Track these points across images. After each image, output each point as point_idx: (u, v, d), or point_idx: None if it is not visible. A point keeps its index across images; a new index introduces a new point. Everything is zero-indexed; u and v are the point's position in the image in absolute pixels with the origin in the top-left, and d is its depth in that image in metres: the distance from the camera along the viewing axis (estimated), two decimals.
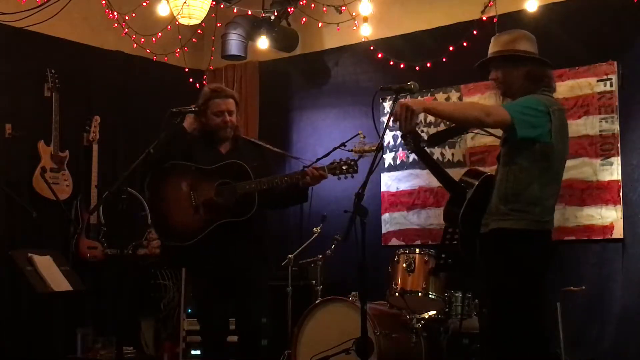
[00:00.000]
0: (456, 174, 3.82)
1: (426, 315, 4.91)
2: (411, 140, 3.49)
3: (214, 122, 4.25)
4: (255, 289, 4.24)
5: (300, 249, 5.48)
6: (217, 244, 4.12)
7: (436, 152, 5.94)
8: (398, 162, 6.16)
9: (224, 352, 4.30)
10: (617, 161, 5.18)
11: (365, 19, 6.07)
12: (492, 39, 3.62)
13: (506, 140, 3.46)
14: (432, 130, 5.95)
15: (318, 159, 4.18)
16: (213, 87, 4.42)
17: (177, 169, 4.23)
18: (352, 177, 4.05)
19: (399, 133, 6.15)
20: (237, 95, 4.41)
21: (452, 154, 5.90)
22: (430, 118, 6.02)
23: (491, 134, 3.76)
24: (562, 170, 3.53)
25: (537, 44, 3.57)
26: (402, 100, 3.36)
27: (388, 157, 6.18)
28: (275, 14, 6.35)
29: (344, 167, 4.03)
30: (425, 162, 3.68)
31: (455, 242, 4.62)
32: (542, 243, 3.44)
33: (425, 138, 3.61)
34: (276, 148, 4.40)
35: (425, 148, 3.63)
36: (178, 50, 6.71)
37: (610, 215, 5.18)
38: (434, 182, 5.94)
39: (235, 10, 6.45)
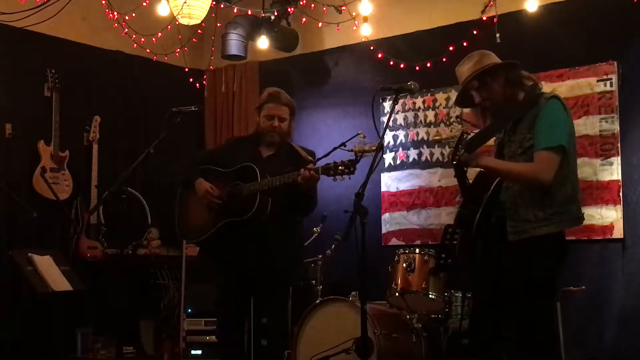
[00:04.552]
0: None
1: (426, 316, 4.91)
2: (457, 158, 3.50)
3: (264, 124, 4.40)
4: (269, 292, 4.32)
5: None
6: (228, 244, 4.28)
7: (436, 152, 5.95)
8: (398, 162, 6.15)
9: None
10: (617, 161, 5.18)
11: (365, 19, 6.07)
12: (457, 70, 3.61)
13: (529, 148, 3.41)
14: (432, 130, 5.99)
15: (319, 159, 4.19)
16: (272, 91, 4.51)
17: (204, 172, 4.40)
18: (350, 178, 4.02)
19: (399, 133, 6.16)
20: (294, 104, 4.49)
21: None
22: (430, 118, 6.04)
23: None
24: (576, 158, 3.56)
25: (497, 55, 3.59)
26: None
27: (388, 157, 6.17)
28: (275, 14, 6.35)
29: (339, 168, 3.96)
30: (459, 174, 3.59)
31: (455, 242, 4.63)
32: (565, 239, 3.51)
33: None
34: (310, 157, 4.34)
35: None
36: (178, 50, 6.71)
37: (610, 215, 5.17)
38: (434, 182, 5.95)
39: (235, 10, 6.45)
